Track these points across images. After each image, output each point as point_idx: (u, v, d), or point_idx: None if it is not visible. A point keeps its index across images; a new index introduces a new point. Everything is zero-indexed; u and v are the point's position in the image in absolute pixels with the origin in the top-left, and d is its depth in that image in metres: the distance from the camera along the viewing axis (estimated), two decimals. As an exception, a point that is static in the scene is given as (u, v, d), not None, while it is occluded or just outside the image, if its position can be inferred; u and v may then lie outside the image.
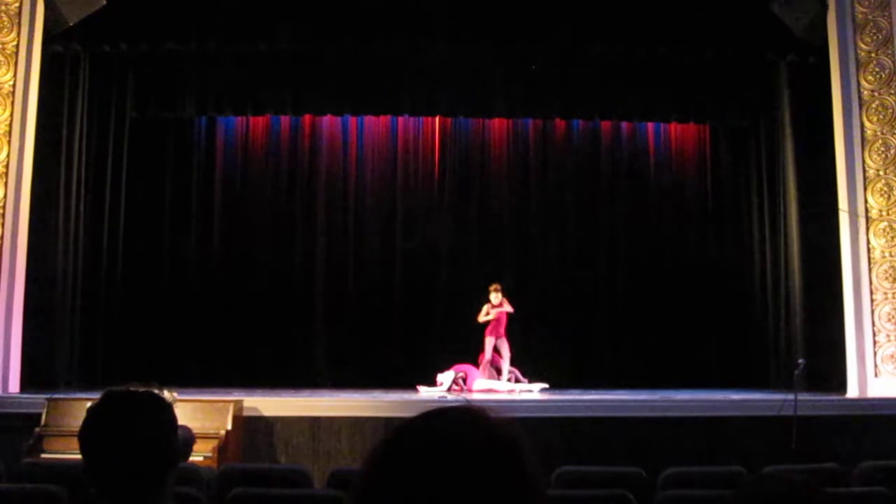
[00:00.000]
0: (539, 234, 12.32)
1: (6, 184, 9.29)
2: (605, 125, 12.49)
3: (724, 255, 12.22)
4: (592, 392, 10.26)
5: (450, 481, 1.05)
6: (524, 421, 7.89)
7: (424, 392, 10.21)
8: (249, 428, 8.29)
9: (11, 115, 9.39)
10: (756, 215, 11.94)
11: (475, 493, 1.05)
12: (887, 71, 9.70)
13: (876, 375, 9.33)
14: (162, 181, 11.91)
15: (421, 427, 1.11)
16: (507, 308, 10.69)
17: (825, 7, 9.97)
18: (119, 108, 11.25)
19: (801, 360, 8.63)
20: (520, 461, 1.09)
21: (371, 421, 8.26)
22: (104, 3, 9.79)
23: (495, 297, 10.68)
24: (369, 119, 12.33)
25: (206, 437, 7.33)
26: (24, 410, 8.07)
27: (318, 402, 8.97)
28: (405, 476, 1.06)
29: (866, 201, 9.57)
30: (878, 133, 9.64)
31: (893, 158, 9.58)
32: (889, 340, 9.36)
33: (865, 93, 9.71)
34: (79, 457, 2.10)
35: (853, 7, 9.82)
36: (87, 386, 9.79)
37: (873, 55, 9.75)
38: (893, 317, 9.39)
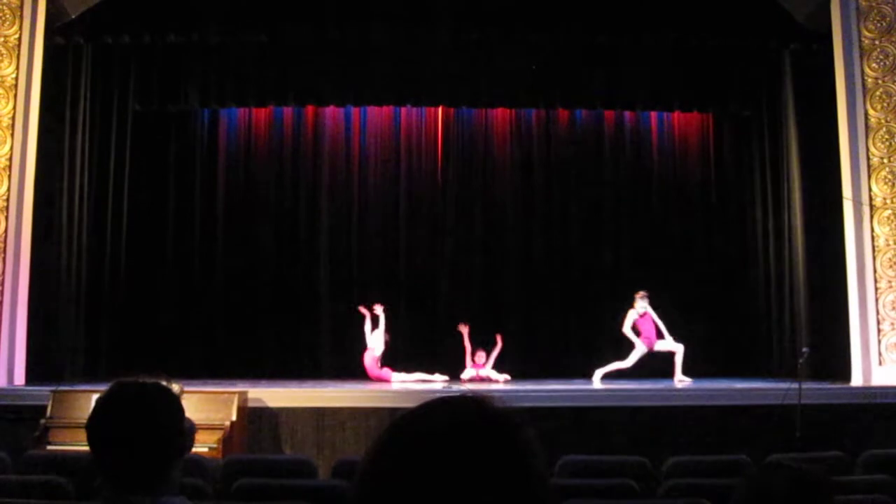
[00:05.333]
0: (542, 223, 12.31)
1: (9, 177, 9.29)
2: (609, 114, 12.46)
3: (727, 243, 12.21)
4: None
5: (451, 470, 1.04)
6: (529, 410, 7.91)
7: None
8: (254, 419, 8.30)
9: (14, 108, 9.38)
10: (759, 203, 11.91)
11: (476, 482, 1.04)
12: (891, 59, 9.65)
13: (880, 364, 9.32)
14: (165, 173, 11.91)
15: (423, 416, 1.11)
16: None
17: (829, -6, 9.94)
18: (121, 101, 11.23)
19: (805, 349, 8.63)
20: (521, 450, 1.09)
21: (375, 411, 8.28)
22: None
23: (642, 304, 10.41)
24: (372, 110, 12.31)
25: (210, 428, 7.35)
26: (30, 402, 8.10)
27: (323, 393, 8.99)
28: (406, 465, 1.06)
29: (870, 189, 9.55)
30: (882, 121, 9.61)
31: (898, 146, 9.55)
32: (893, 329, 9.35)
33: (869, 80, 9.67)
34: (84, 448, 2.11)
35: (857, -6, 9.79)
36: (92, 378, 9.80)
37: (877, 43, 9.71)
38: (898, 305, 9.38)
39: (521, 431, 1.11)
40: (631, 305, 10.44)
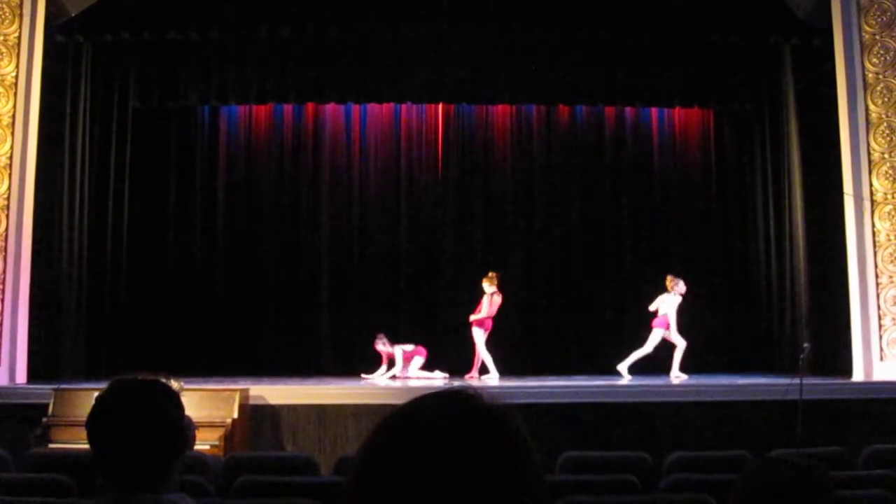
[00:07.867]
0: (543, 221, 12.31)
1: (10, 175, 9.29)
2: (609, 111, 12.44)
3: (728, 239, 12.21)
4: (598, 378, 10.26)
5: (443, 464, 1.04)
6: (530, 406, 7.92)
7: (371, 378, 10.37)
8: (255, 416, 8.31)
9: (14, 106, 9.38)
10: (760, 199, 11.90)
11: (469, 476, 1.04)
12: (892, 53, 9.64)
13: (881, 359, 9.31)
14: (166, 171, 11.92)
15: (415, 410, 1.11)
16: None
17: (829, -11, 9.92)
18: (122, 98, 11.24)
19: (806, 344, 8.62)
20: (513, 443, 1.09)
21: (377, 408, 8.27)
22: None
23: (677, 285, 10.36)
24: (372, 107, 12.30)
25: (212, 425, 7.36)
26: (32, 401, 8.10)
27: (324, 390, 9.01)
28: (399, 459, 1.06)
29: (871, 184, 9.54)
30: (883, 116, 9.60)
31: (898, 141, 9.54)
32: (894, 324, 9.35)
33: (870, 75, 9.66)
34: (86, 446, 2.11)
35: (857, -11, 9.77)
36: (93, 376, 9.82)
37: (878, 37, 9.69)
38: (899, 300, 9.38)
39: (512, 425, 1.11)
40: (666, 290, 10.35)
